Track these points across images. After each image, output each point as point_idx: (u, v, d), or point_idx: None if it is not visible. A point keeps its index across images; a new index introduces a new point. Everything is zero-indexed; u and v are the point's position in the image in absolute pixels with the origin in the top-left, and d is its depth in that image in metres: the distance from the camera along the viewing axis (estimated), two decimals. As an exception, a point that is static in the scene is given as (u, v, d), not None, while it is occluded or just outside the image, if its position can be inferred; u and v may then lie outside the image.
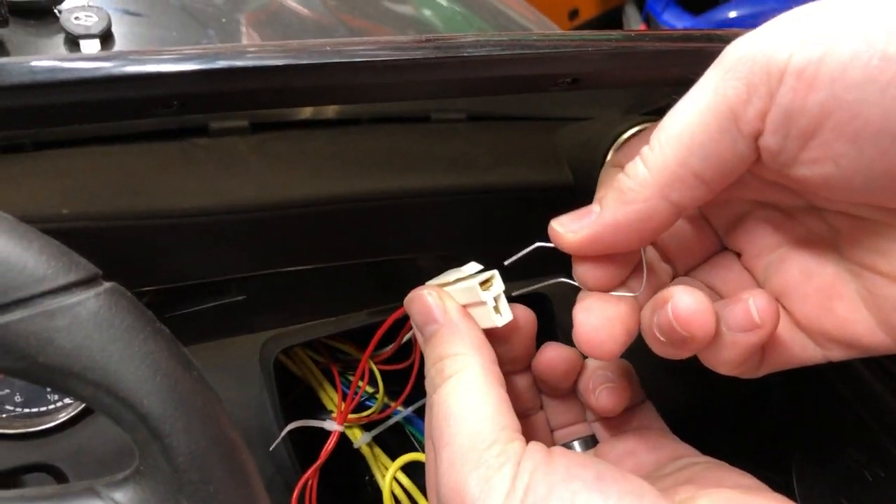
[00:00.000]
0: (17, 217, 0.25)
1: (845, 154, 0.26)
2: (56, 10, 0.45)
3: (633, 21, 2.95)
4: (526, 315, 0.40)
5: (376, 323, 0.47)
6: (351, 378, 0.56)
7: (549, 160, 0.60)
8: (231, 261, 0.52)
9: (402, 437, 0.60)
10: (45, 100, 0.29)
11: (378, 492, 0.55)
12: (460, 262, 0.38)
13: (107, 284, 0.25)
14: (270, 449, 0.53)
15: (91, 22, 0.44)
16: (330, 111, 0.55)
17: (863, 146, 0.26)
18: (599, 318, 0.34)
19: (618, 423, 0.43)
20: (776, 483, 0.32)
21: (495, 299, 0.36)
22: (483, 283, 0.36)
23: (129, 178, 0.46)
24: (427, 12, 0.72)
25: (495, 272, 0.36)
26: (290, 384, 0.58)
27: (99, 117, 0.35)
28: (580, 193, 0.60)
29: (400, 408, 0.57)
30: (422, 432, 0.59)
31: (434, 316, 0.36)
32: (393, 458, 0.55)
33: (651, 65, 0.37)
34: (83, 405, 0.51)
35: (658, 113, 0.61)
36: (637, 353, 0.38)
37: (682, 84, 0.30)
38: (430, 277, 0.39)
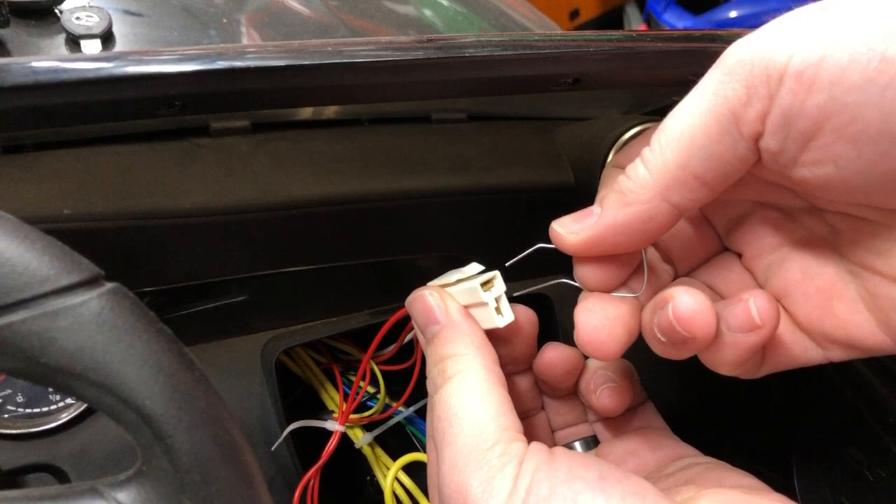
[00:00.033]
0: (19, 217, 0.25)
1: (845, 155, 0.26)
2: (57, 11, 0.45)
3: (634, 21, 2.95)
4: (527, 316, 0.40)
5: (378, 323, 0.47)
6: (352, 378, 0.56)
7: (551, 160, 0.60)
8: (232, 261, 0.52)
9: (404, 437, 0.60)
10: (46, 100, 0.29)
11: (379, 492, 0.55)
12: (462, 263, 0.38)
13: (109, 285, 0.25)
14: (272, 449, 0.53)
15: (92, 22, 0.44)
16: (331, 111, 0.55)
17: (862, 147, 0.26)
18: (600, 319, 0.34)
19: (619, 423, 0.43)
20: (777, 483, 0.32)
21: (497, 300, 0.36)
22: (484, 284, 0.36)
23: (130, 178, 0.46)
24: (428, 12, 0.72)
25: (497, 273, 0.36)
26: (291, 384, 0.58)
27: (101, 118, 0.35)
28: (581, 194, 0.60)
29: (401, 408, 0.57)
30: (423, 432, 0.59)
31: (436, 316, 0.36)
32: (394, 458, 0.55)
33: (652, 65, 0.37)
34: (85, 405, 0.51)
35: (659, 112, 0.61)
36: (637, 354, 0.38)
37: (683, 84, 0.30)
38: (432, 278, 0.39)
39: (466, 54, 0.33)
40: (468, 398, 0.32)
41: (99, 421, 0.51)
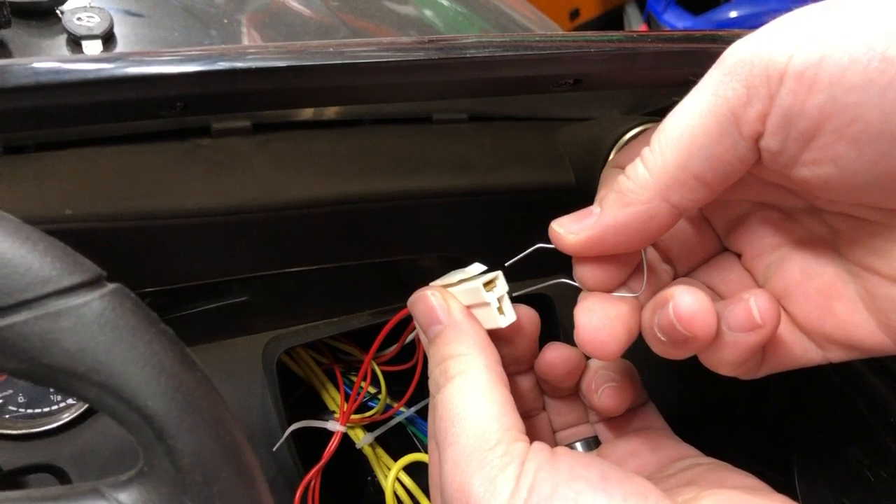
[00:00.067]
0: (20, 218, 0.25)
1: (845, 155, 0.26)
2: (58, 11, 0.46)
3: (634, 21, 2.95)
4: (529, 316, 0.40)
5: (379, 324, 0.47)
6: (353, 379, 0.56)
7: (552, 161, 0.60)
8: (234, 261, 0.52)
9: (405, 437, 0.60)
10: (48, 101, 0.29)
11: (380, 492, 0.55)
12: (463, 263, 0.38)
13: (111, 286, 0.25)
14: (273, 449, 0.53)
15: (93, 23, 0.44)
16: (332, 112, 0.55)
17: (862, 148, 0.26)
18: (601, 319, 0.34)
19: (620, 423, 0.43)
20: (778, 483, 0.32)
21: (499, 300, 0.36)
22: (487, 284, 0.36)
23: (131, 178, 0.47)
24: (428, 13, 0.72)
25: (499, 273, 0.37)
26: (292, 385, 0.58)
27: (102, 119, 0.35)
28: (582, 194, 0.60)
29: (402, 408, 0.57)
30: (424, 433, 0.59)
31: (438, 316, 0.36)
32: (395, 458, 0.55)
33: (653, 66, 0.37)
34: (86, 406, 0.51)
35: (659, 113, 0.61)
36: (638, 355, 0.38)
37: (684, 85, 0.30)
38: (433, 278, 0.39)
39: (468, 55, 0.33)
40: (470, 398, 0.32)
41: (100, 421, 0.51)
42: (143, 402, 0.24)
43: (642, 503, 0.28)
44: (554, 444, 0.44)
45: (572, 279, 0.36)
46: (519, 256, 0.37)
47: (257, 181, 0.50)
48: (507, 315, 0.36)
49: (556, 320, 0.60)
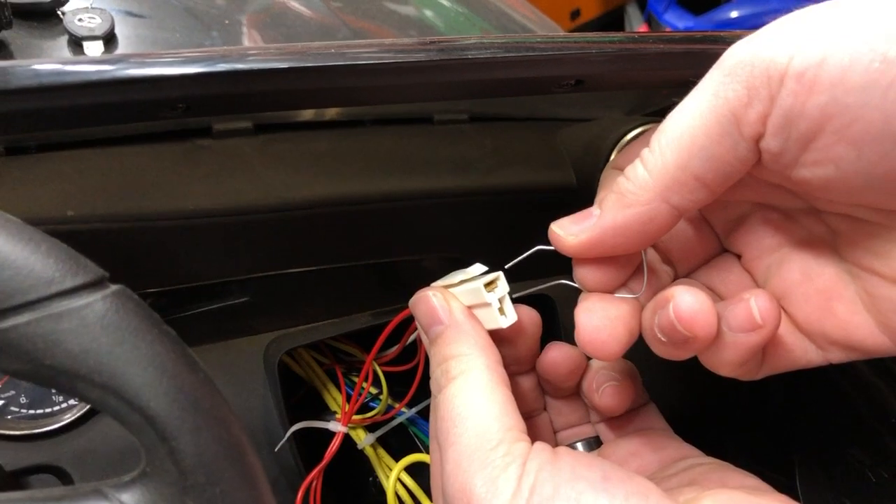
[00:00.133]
0: (22, 219, 0.25)
1: (846, 157, 0.26)
2: (59, 12, 0.46)
3: (635, 21, 2.95)
4: (530, 316, 0.40)
5: (381, 324, 0.47)
6: (355, 379, 0.56)
7: (553, 161, 0.61)
8: (235, 262, 0.52)
9: (406, 438, 0.60)
10: (49, 103, 0.29)
11: (382, 493, 0.55)
12: (464, 264, 0.38)
13: (114, 287, 0.25)
14: (275, 450, 0.53)
15: (94, 24, 0.44)
16: (333, 112, 0.55)
17: (863, 149, 0.26)
18: (601, 319, 0.34)
19: (621, 424, 0.43)
20: (779, 483, 0.32)
21: (500, 300, 0.36)
22: (488, 285, 0.36)
23: (132, 179, 0.47)
24: (429, 13, 0.72)
25: (500, 273, 0.37)
26: (294, 385, 0.58)
27: (103, 120, 0.35)
28: (584, 195, 0.60)
29: (404, 409, 0.57)
30: (426, 433, 0.59)
31: (439, 317, 0.36)
32: (397, 459, 0.55)
33: (655, 67, 0.37)
34: (88, 407, 0.51)
35: (661, 113, 0.61)
36: (638, 355, 0.38)
37: (684, 86, 0.30)
38: (435, 279, 0.39)
39: (469, 56, 0.33)
40: (472, 398, 0.32)
41: (102, 422, 0.52)
42: (145, 402, 0.24)
43: (644, 503, 0.28)
44: (555, 444, 0.44)
45: (573, 280, 0.36)
46: (519, 258, 0.37)
47: (259, 182, 0.50)
48: (508, 315, 0.36)
49: (557, 321, 0.60)
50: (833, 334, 0.32)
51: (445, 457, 0.32)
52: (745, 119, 0.27)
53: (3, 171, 0.44)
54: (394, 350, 0.55)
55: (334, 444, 0.53)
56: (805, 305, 0.33)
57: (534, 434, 0.41)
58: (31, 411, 0.51)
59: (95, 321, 0.24)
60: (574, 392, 0.44)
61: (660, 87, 0.49)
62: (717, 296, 0.37)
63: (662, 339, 0.32)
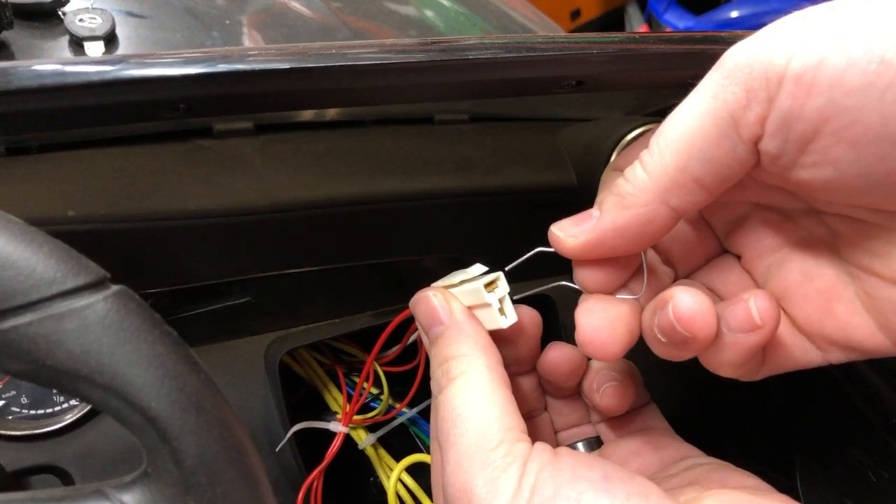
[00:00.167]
0: (23, 220, 0.25)
1: (844, 158, 0.26)
2: (60, 13, 0.46)
3: (635, 21, 2.95)
4: (531, 317, 0.40)
5: (381, 324, 0.47)
6: (356, 380, 0.56)
7: (553, 162, 0.61)
8: (236, 262, 0.52)
9: (407, 438, 0.60)
10: (50, 104, 0.29)
11: (383, 493, 0.55)
12: (465, 264, 0.38)
13: (115, 287, 0.25)
14: (276, 450, 0.53)
15: (95, 24, 0.44)
16: (334, 113, 0.55)
17: (862, 150, 0.26)
18: (601, 320, 0.34)
19: (622, 424, 0.43)
20: (780, 484, 0.32)
21: (500, 301, 0.36)
22: (488, 285, 0.36)
23: (134, 179, 0.47)
24: (429, 13, 0.72)
25: (500, 274, 0.37)
26: (295, 386, 0.58)
27: (105, 120, 0.35)
28: (584, 195, 0.60)
29: (405, 409, 0.57)
30: (426, 433, 0.59)
31: (440, 317, 0.36)
32: (397, 459, 0.55)
33: (655, 67, 0.37)
34: (89, 407, 0.51)
35: (662, 114, 0.61)
36: (638, 356, 0.38)
37: (683, 87, 0.30)
38: (435, 279, 0.39)
39: (470, 57, 0.33)
40: (472, 399, 0.33)
41: (103, 422, 0.52)
42: (146, 403, 0.24)
43: (644, 503, 0.28)
44: (556, 444, 0.44)
45: (573, 281, 0.36)
46: (519, 261, 0.37)
47: (259, 182, 0.50)
48: (508, 316, 0.36)
49: (557, 321, 0.60)
50: (833, 335, 0.32)
51: (446, 457, 0.32)
52: (743, 121, 0.27)
53: (4, 171, 0.44)
54: (394, 350, 0.55)
55: (335, 445, 0.53)
56: (805, 306, 0.33)
57: (534, 434, 0.41)
58: (33, 412, 0.51)
59: (97, 322, 0.24)
60: (575, 392, 0.44)
61: (660, 87, 0.49)
62: (717, 296, 0.37)
63: (662, 339, 0.32)
